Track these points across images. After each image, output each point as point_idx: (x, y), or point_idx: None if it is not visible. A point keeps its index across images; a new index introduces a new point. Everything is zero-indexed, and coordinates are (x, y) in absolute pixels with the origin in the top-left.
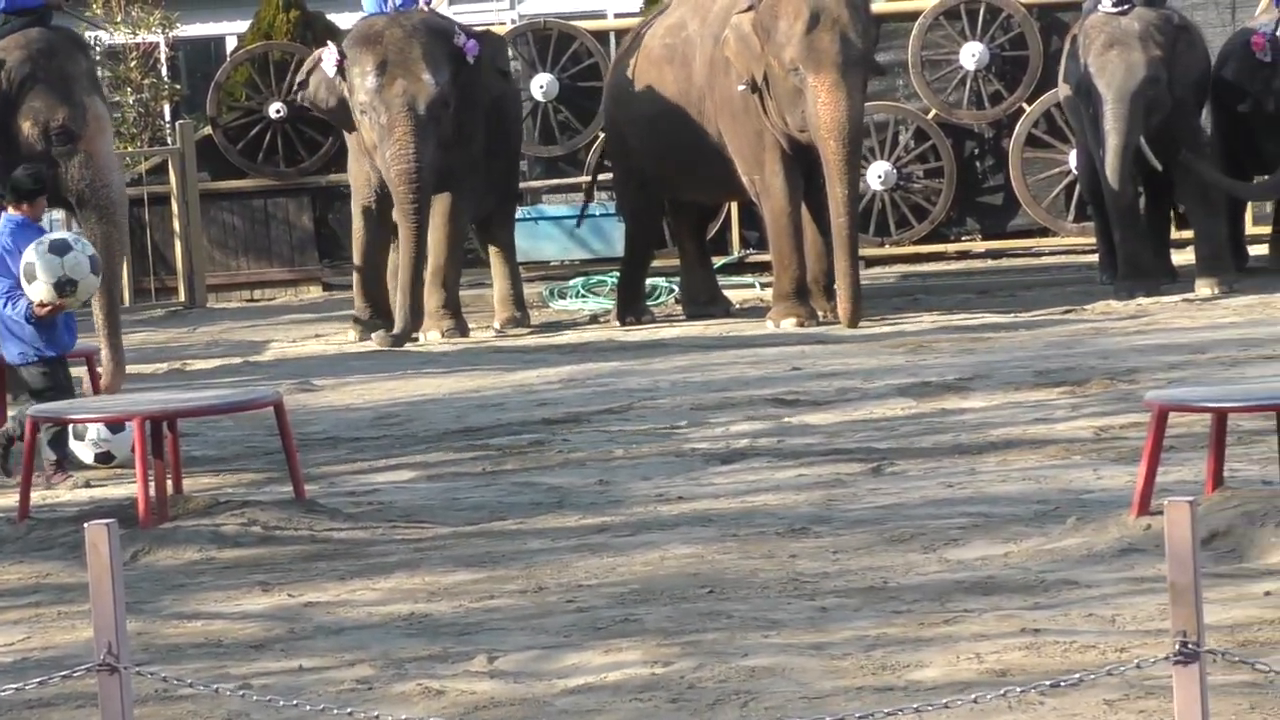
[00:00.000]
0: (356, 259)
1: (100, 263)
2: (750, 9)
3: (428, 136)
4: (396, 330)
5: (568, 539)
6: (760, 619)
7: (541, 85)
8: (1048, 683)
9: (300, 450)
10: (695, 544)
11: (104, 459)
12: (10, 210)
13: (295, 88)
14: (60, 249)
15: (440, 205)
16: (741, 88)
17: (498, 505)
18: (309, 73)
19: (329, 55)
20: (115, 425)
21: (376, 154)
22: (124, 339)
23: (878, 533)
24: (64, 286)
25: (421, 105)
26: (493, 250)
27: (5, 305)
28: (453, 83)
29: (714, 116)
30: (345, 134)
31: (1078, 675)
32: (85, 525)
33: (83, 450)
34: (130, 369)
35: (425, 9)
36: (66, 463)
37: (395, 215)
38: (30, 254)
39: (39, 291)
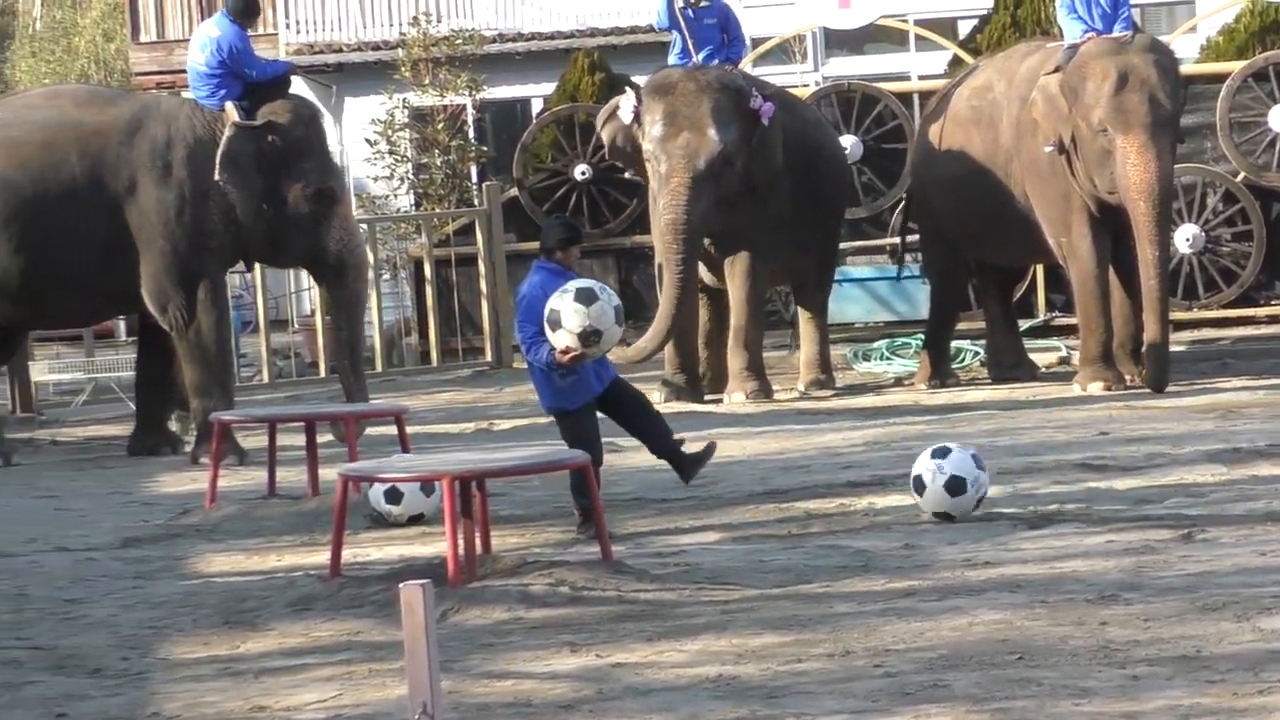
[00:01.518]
0: None
1: (623, 313)
2: (1057, 70)
3: (703, 192)
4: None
5: (874, 603)
6: (1070, 687)
7: (845, 147)
8: None
9: (607, 511)
10: (1003, 610)
11: (415, 519)
12: (543, 258)
13: (598, 149)
14: (587, 298)
15: (739, 265)
16: (1049, 149)
17: (804, 568)
18: (607, 118)
19: (627, 102)
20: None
21: (654, 203)
22: (432, 398)
23: (1189, 600)
24: (589, 336)
25: (701, 160)
26: (804, 313)
27: (529, 351)
28: (741, 142)
29: (1020, 178)
30: (648, 186)
31: None
32: (400, 585)
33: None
34: (437, 428)
35: (728, 68)
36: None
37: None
38: (556, 301)
39: (563, 340)
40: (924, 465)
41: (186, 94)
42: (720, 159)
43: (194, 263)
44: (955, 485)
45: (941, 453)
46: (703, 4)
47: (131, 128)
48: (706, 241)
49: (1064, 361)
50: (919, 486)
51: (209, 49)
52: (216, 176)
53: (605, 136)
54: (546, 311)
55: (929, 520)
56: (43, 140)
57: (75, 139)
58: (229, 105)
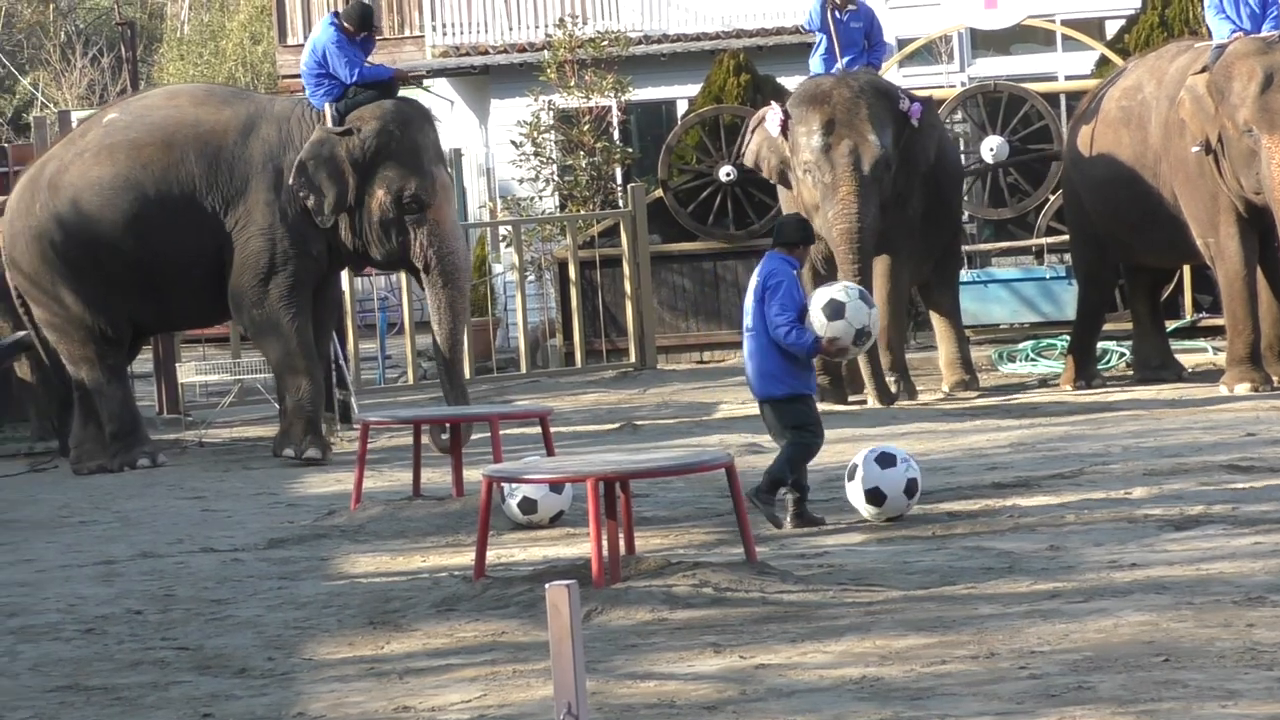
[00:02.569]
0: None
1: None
2: (1205, 70)
3: (870, 197)
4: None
5: (1019, 604)
6: (1217, 689)
7: (991, 148)
8: None
9: (750, 512)
10: (1149, 611)
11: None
12: (781, 250)
13: (738, 149)
14: (868, 301)
15: (880, 267)
16: (1196, 149)
17: (948, 569)
18: (751, 132)
19: (773, 115)
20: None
21: (818, 214)
22: (577, 399)
23: None
24: (861, 336)
25: (866, 165)
26: (937, 315)
27: (789, 334)
28: (895, 145)
29: (1169, 179)
30: (780, 193)
31: None
32: (545, 585)
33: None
34: (582, 429)
35: (872, 71)
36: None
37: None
38: (841, 294)
39: (836, 330)
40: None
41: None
42: (883, 163)
43: (284, 266)
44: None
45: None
46: (849, 7)
47: (247, 129)
48: None
49: (1211, 363)
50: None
51: (310, 50)
52: (290, 181)
53: (751, 148)
54: (824, 301)
55: (1070, 523)
56: (163, 140)
57: (194, 138)
58: (326, 107)
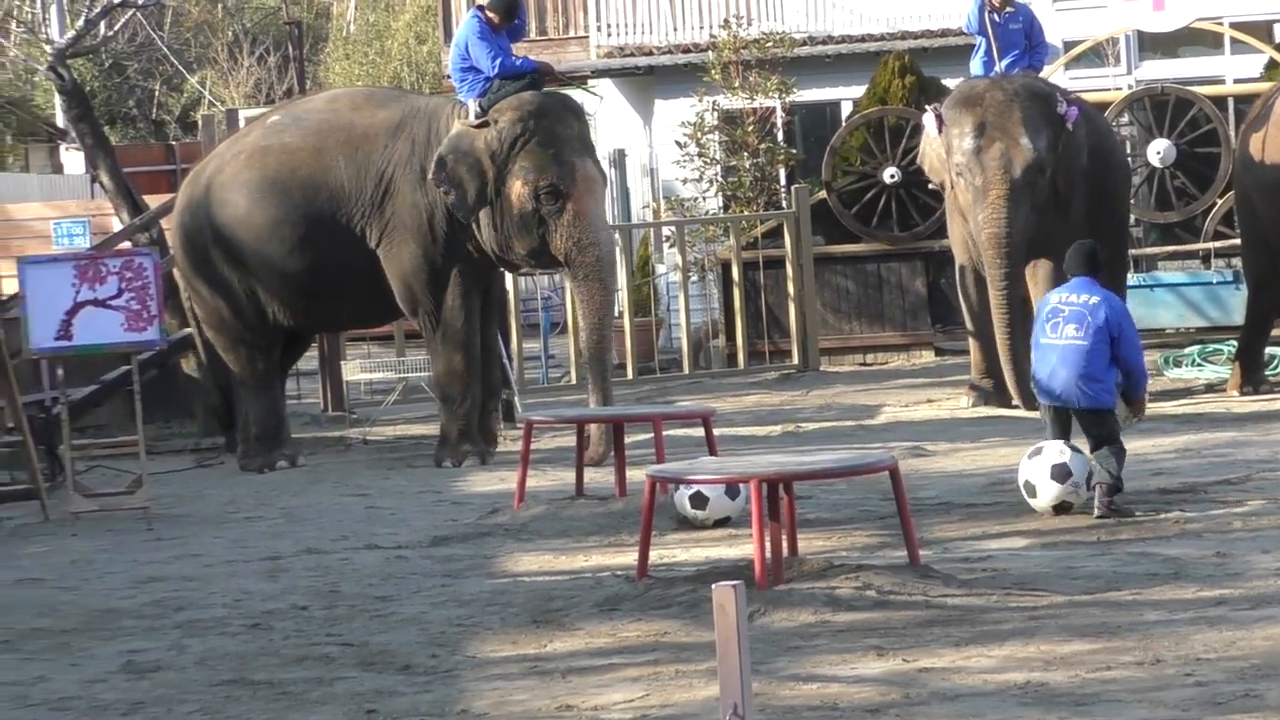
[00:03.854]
0: (968, 323)
1: None
2: None
3: (1021, 201)
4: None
5: (1185, 611)
6: None
7: (1158, 151)
8: None
9: (914, 515)
10: None
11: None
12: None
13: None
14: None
15: (1042, 271)
16: None
17: (1113, 575)
18: (921, 136)
19: (929, 117)
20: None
21: (969, 216)
22: (739, 400)
23: None
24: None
25: (1018, 169)
26: None
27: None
28: (1051, 149)
29: None
30: (943, 194)
31: None
32: (711, 586)
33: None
34: (744, 431)
35: (1030, 74)
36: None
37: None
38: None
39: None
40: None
41: None
42: (1035, 167)
43: (444, 266)
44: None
45: (1035, 453)
46: (1008, 9)
47: (396, 130)
48: None
49: None
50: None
51: (455, 46)
52: (430, 177)
53: (920, 154)
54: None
55: (1237, 530)
56: (315, 145)
57: (345, 142)
58: (470, 102)
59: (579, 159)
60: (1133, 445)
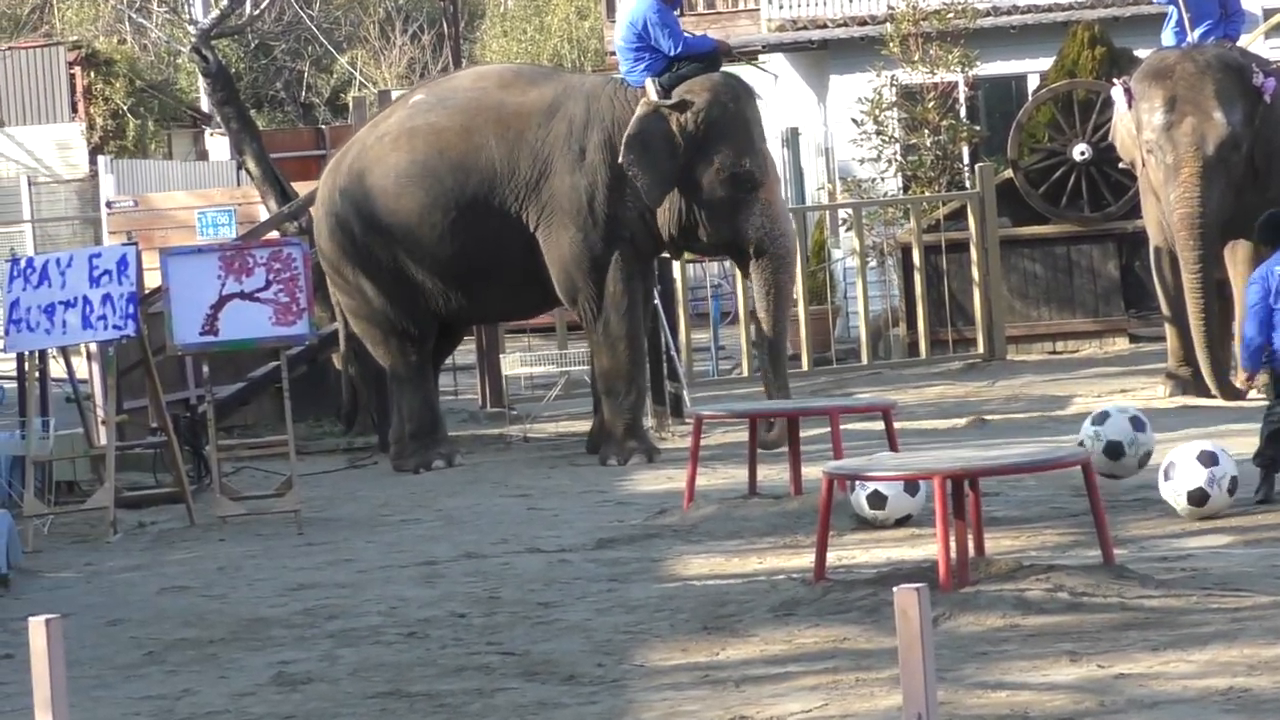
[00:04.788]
0: (1164, 308)
1: None
2: None
3: (1215, 180)
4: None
5: None
6: None
7: None
8: None
9: (1108, 512)
10: None
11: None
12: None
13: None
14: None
15: (1240, 254)
16: None
17: None
18: (1111, 110)
19: (1118, 91)
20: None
21: (1161, 196)
22: (921, 392)
23: None
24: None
25: (1211, 146)
26: None
27: None
28: (1247, 123)
29: None
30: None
31: None
32: (893, 589)
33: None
34: (927, 424)
35: (1225, 44)
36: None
37: (1180, 263)
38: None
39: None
40: (1085, 432)
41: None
42: (1230, 143)
43: (605, 252)
44: (1113, 449)
45: (1100, 419)
46: None
47: (551, 109)
48: None
49: None
50: None
51: (627, 23)
52: (621, 158)
53: (1112, 130)
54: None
55: None
56: (463, 125)
57: (495, 121)
58: (648, 82)
59: (765, 146)
60: None
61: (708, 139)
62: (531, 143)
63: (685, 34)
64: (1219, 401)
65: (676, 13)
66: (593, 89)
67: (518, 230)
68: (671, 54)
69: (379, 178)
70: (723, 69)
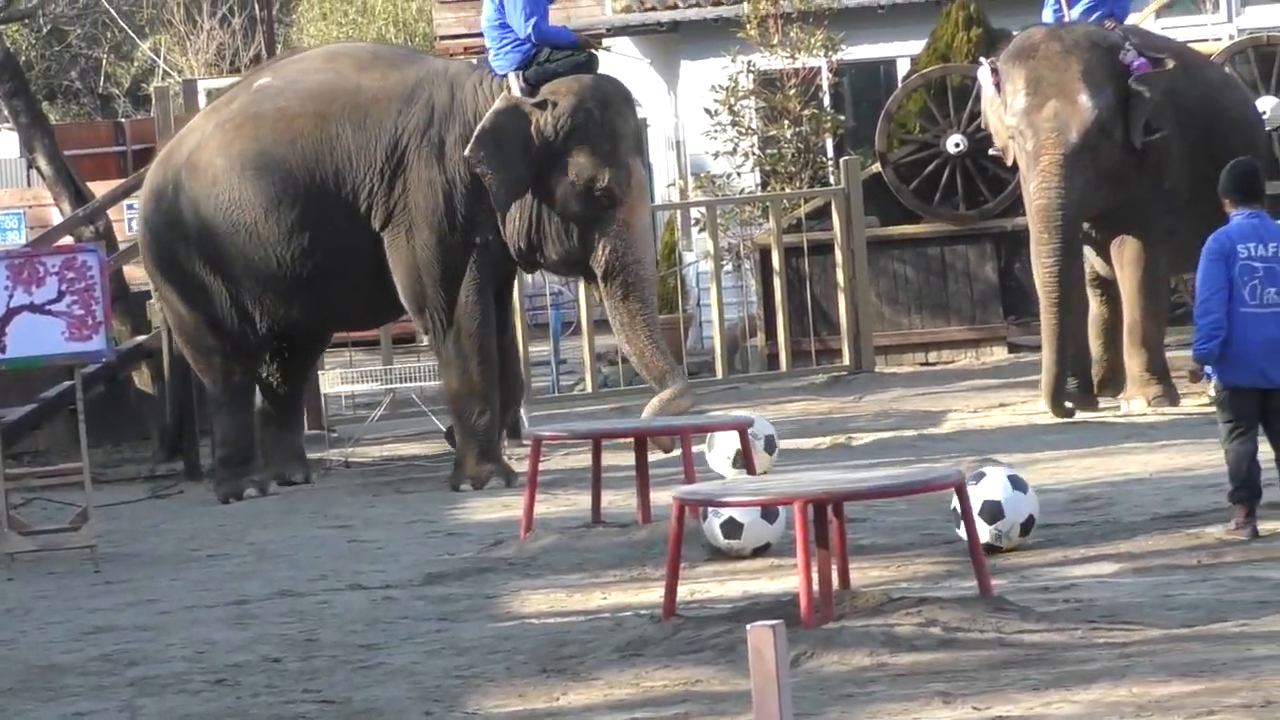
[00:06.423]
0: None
1: None
2: None
3: (1078, 169)
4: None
5: None
6: None
7: (1265, 110)
8: None
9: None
10: None
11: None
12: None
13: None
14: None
15: (1128, 250)
16: None
17: (1216, 604)
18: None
19: (985, 72)
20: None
21: (1023, 185)
22: (781, 409)
23: None
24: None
25: (1074, 132)
26: None
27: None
28: (1117, 107)
29: None
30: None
31: None
32: (746, 626)
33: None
34: (788, 444)
35: (1108, 24)
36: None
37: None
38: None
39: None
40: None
41: None
42: (1095, 129)
43: (459, 259)
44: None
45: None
46: None
47: (412, 95)
48: (1086, 225)
49: None
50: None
51: (489, 1)
52: (468, 152)
53: (983, 115)
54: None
55: None
56: (316, 111)
57: (351, 108)
58: (511, 76)
59: (633, 161)
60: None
61: (566, 146)
62: (388, 131)
63: (558, 26)
64: (1107, 415)
65: None
66: (456, 75)
67: (370, 230)
68: (523, 34)
69: (221, 170)
70: (603, 73)
